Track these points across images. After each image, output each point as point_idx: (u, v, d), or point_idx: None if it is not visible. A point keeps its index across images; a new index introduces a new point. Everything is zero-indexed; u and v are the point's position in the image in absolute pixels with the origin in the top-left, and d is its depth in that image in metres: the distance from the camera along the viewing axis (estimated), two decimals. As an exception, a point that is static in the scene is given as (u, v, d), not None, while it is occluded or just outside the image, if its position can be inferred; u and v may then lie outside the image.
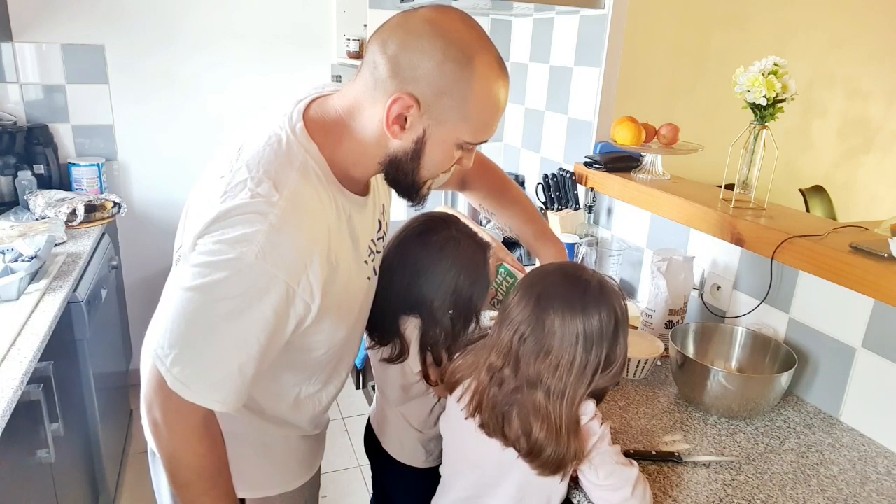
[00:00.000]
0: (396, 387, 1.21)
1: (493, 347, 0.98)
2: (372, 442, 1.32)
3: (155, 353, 0.82)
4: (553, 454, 0.91)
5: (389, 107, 0.84)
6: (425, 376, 1.15)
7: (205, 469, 0.89)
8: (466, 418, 0.99)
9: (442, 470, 1.14)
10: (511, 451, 0.95)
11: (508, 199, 1.37)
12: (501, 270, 1.50)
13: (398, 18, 0.87)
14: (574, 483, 1.00)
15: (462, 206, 2.28)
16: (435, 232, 1.15)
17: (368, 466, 1.39)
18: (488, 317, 1.43)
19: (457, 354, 1.09)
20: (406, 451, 1.25)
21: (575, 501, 1.01)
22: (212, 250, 0.80)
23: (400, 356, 1.15)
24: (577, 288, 0.94)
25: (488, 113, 0.89)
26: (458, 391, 1.04)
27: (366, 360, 1.30)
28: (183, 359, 0.81)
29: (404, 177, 0.93)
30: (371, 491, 1.45)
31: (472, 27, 0.87)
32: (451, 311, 1.13)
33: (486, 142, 0.93)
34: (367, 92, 0.87)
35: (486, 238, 1.24)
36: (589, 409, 0.95)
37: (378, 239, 1.06)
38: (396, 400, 1.23)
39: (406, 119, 0.86)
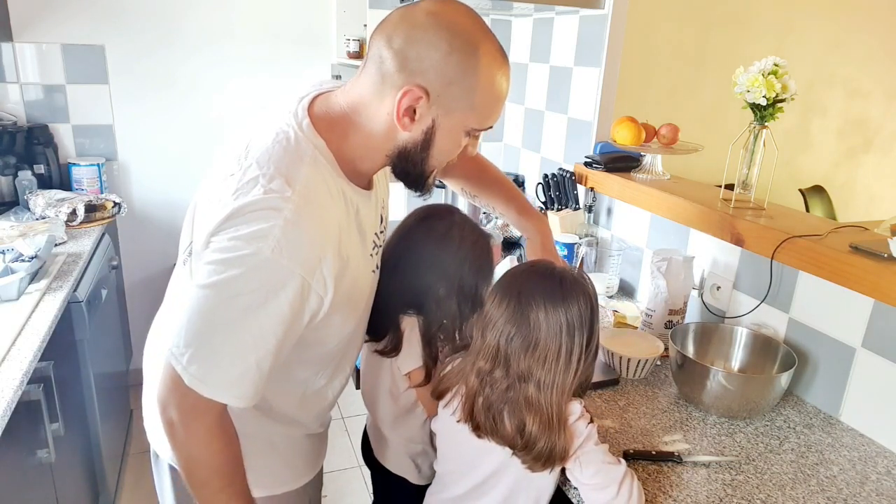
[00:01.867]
0: (385, 395, 1.20)
1: (479, 353, 0.99)
2: (368, 450, 1.32)
3: (170, 352, 0.82)
4: (545, 446, 0.93)
5: (399, 100, 0.86)
6: (427, 373, 1.14)
7: (221, 466, 0.89)
8: (458, 421, 1.00)
9: (436, 466, 1.14)
10: (504, 452, 0.97)
11: (488, 180, 1.38)
12: None
13: (400, 13, 0.88)
14: (565, 477, 1.00)
15: (461, 207, 2.28)
16: (439, 219, 1.15)
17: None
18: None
19: (447, 359, 1.10)
20: (399, 463, 1.24)
21: (575, 502, 1.01)
22: (227, 247, 0.80)
23: (393, 350, 1.15)
24: (553, 281, 0.97)
25: (493, 99, 0.91)
26: (447, 398, 1.05)
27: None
28: (200, 356, 0.81)
29: (413, 167, 0.94)
30: (372, 493, 1.45)
31: (473, 17, 0.88)
32: (456, 299, 1.13)
33: (491, 128, 0.95)
34: (373, 87, 0.88)
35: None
36: (575, 409, 0.96)
37: (380, 232, 1.07)
38: (387, 417, 1.22)
39: (415, 111, 0.87)
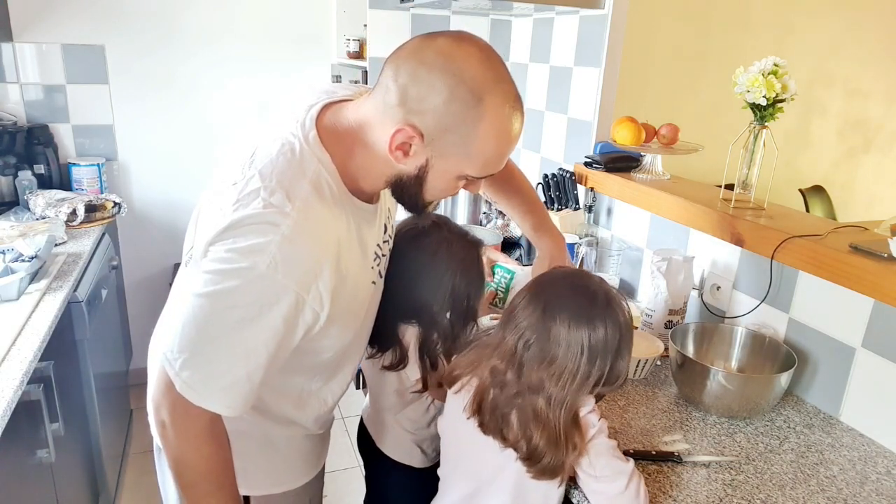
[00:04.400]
0: (391, 392, 1.21)
1: (496, 348, 0.98)
2: (366, 441, 1.32)
3: (164, 356, 0.83)
4: (552, 462, 0.92)
5: (393, 135, 0.85)
6: (423, 383, 1.15)
7: (211, 471, 0.89)
8: (468, 418, 0.99)
9: (440, 471, 1.14)
10: (509, 452, 0.96)
11: (510, 189, 1.37)
12: (497, 270, 1.50)
13: (415, 44, 0.87)
14: (572, 482, 1.00)
15: (462, 207, 2.28)
16: (426, 235, 1.15)
17: (367, 466, 1.39)
18: (489, 318, 1.43)
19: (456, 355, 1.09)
20: (402, 450, 1.25)
21: (574, 501, 1.01)
22: (224, 258, 0.81)
23: (400, 363, 1.15)
24: (584, 298, 0.94)
25: (493, 152, 0.89)
26: (457, 386, 1.04)
27: (363, 364, 1.30)
28: (192, 364, 0.81)
29: (409, 197, 0.95)
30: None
31: (487, 63, 0.85)
32: (448, 313, 1.13)
33: (492, 175, 0.94)
34: (377, 113, 0.88)
35: (480, 235, 1.24)
36: (588, 401, 0.95)
37: (384, 242, 1.06)
38: (392, 407, 1.23)
39: (411, 146, 0.86)
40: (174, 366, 0.81)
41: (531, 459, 0.93)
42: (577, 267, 1.82)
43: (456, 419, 1.03)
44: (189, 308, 0.82)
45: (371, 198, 0.98)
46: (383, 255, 1.06)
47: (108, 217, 2.27)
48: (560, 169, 2.07)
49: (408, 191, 0.93)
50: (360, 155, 0.91)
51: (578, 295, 0.94)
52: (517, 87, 0.89)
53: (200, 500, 0.90)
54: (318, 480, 1.19)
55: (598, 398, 1.00)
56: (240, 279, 0.80)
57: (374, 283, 1.02)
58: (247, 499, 1.06)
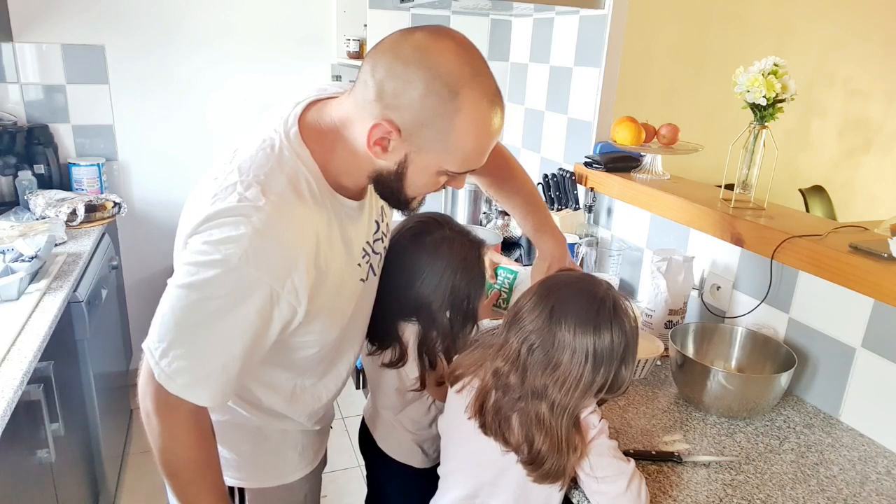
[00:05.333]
0: (392, 391, 1.21)
1: (499, 350, 0.97)
2: (367, 440, 1.32)
3: (146, 345, 0.84)
4: (554, 466, 0.92)
5: (370, 131, 0.86)
6: (421, 381, 1.15)
7: (193, 460, 0.90)
8: (469, 418, 0.99)
9: (440, 470, 1.14)
10: (510, 454, 0.96)
11: (512, 189, 1.36)
12: (500, 271, 1.50)
13: (393, 39, 0.87)
14: (573, 482, 1.00)
15: (462, 206, 2.28)
16: (428, 233, 1.15)
17: (367, 466, 1.39)
18: (487, 321, 1.43)
19: (456, 354, 1.09)
20: (403, 450, 1.25)
21: (575, 501, 1.01)
22: (200, 250, 0.82)
23: (399, 360, 1.15)
24: (591, 304, 0.93)
25: (471, 147, 0.89)
26: (458, 385, 1.03)
27: (364, 363, 1.30)
28: (169, 353, 0.82)
29: (391, 193, 0.95)
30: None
31: (463, 57, 0.85)
32: (448, 312, 1.13)
33: (473, 170, 0.93)
34: (357, 108, 0.89)
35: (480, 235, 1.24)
36: (590, 403, 0.95)
37: (375, 240, 1.06)
38: (393, 406, 1.23)
39: (389, 141, 0.87)
40: (154, 354, 0.83)
41: (533, 464, 0.93)
42: (578, 267, 1.82)
43: (457, 418, 1.03)
44: (169, 298, 0.83)
45: (356, 195, 0.98)
46: (375, 253, 1.06)
47: (108, 217, 2.27)
48: (560, 169, 2.07)
49: (389, 187, 0.93)
50: (342, 151, 0.91)
51: (585, 300, 0.93)
52: (500, 82, 0.89)
53: (185, 489, 0.91)
54: (315, 476, 1.19)
55: (601, 403, 1.00)
56: (214, 270, 0.81)
57: (362, 280, 1.02)
58: (241, 491, 1.06)
